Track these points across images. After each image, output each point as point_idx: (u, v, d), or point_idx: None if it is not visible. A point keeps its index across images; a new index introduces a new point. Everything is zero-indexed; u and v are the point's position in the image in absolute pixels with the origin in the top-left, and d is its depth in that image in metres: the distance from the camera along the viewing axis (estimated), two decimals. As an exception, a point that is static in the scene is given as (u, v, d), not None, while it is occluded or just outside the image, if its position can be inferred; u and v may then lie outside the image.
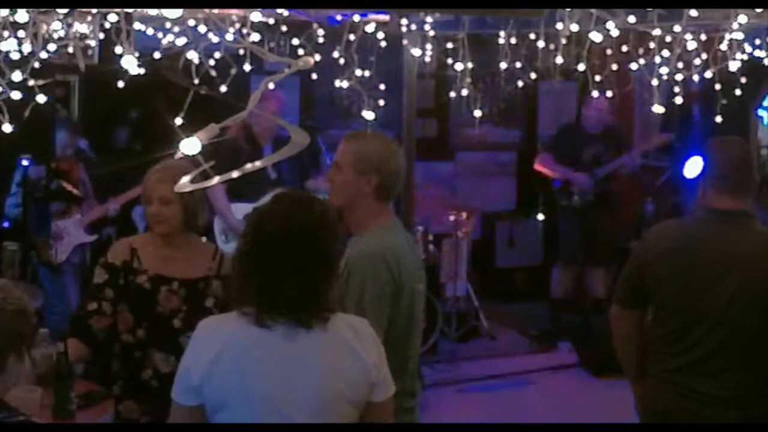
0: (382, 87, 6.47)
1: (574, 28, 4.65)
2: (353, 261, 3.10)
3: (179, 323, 3.56)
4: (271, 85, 2.92)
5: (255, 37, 5.21)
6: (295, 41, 6.15)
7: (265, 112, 5.51)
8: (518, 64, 6.17)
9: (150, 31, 5.73)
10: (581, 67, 5.24)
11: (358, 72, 5.76)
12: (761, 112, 7.81)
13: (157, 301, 3.56)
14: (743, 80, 5.92)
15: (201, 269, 3.64)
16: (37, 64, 4.17)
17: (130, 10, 4.54)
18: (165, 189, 3.48)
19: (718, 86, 5.67)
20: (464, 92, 5.91)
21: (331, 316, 2.49)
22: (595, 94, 6.16)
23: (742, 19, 4.35)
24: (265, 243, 2.47)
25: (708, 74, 5.51)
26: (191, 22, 5.40)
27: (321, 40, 6.03)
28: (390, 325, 3.06)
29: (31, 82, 4.16)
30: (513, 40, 5.80)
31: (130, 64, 3.06)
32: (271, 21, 5.67)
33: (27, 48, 4.53)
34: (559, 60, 5.50)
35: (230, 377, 2.41)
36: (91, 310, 3.57)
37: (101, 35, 5.87)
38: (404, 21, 5.81)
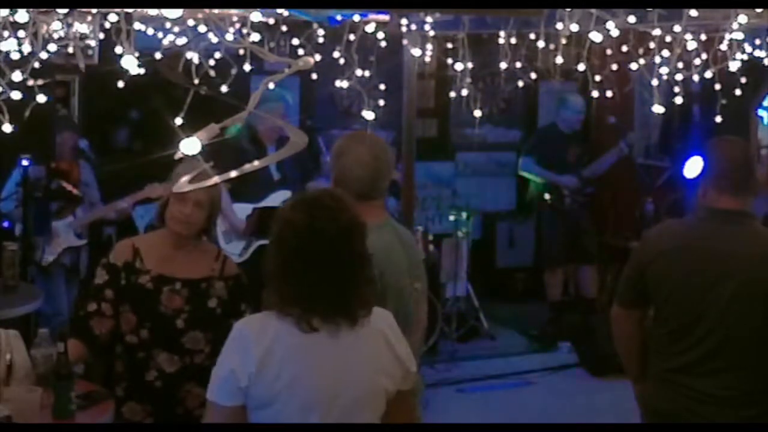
0: (382, 87, 6.47)
1: (574, 28, 4.64)
2: None
3: (182, 323, 3.55)
4: (271, 85, 2.92)
5: (255, 37, 5.20)
6: (295, 41, 6.14)
7: (268, 114, 5.51)
8: (518, 64, 6.17)
9: (150, 31, 5.72)
10: (581, 67, 5.23)
11: (358, 72, 5.75)
12: (761, 112, 7.81)
13: (160, 301, 3.55)
14: (743, 80, 5.92)
15: (204, 270, 3.63)
16: (37, 64, 4.17)
17: (130, 10, 4.53)
18: (202, 193, 3.45)
19: (718, 86, 5.67)
20: (464, 92, 5.90)
21: (372, 310, 2.55)
22: (595, 93, 6.16)
23: (742, 19, 4.34)
24: (307, 245, 2.48)
25: (708, 74, 5.51)
26: (191, 22, 5.39)
27: (321, 40, 6.03)
28: None
29: (31, 82, 4.16)
30: (513, 40, 5.79)
31: (130, 64, 3.06)
32: (271, 21, 5.67)
33: (27, 48, 4.53)
34: (559, 60, 5.49)
35: (279, 377, 2.43)
36: (91, 311, 3.57)
37: (101, 35, 5.87)
38: (404, 21, 5.80)
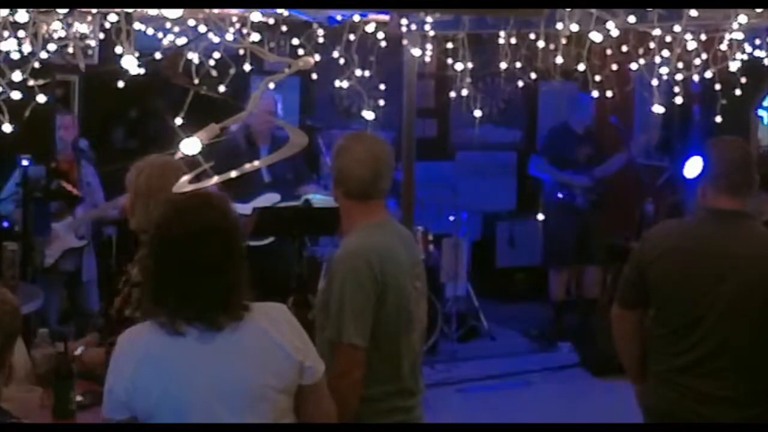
0: (382, 87, 6.47)
1: (574, 28, 4.64)
2: (336, 261, 3.11)
3: None
4: (271, 85, 2.92)
5: (255, 37, 5.21)
6: (295, 41, 6.15)
7: (261, 112, 5.51)
8: (518, 64, 6.17)
9: (150, 31, 5.73)
10: (581, 67, 5.23)
11: (358, 72, 5.76)
12: (761, 112, 7.81)
13: None
14: (743, 80, 5.92)
15: None
16: (37, 64, 4.17)
17: (130, 10, 4.53)
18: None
19: (718, 86, 5.68)
20: (464, 92, 5.91)
21: (245, 313, 2.48)
22: (595, 93, 6.16)
23: (742, 19, 4.35)
24: (168, 248, 2.46)
25: (708, 74, 5.51)
26: (191, 22, 5.40)
27: (321, 40, 6.03)
28: (378, 324, 3.06)
29: (31, 82, 4.16)
30: (513, 40, 5.80)
31: (130, 64, 3.06)
32: (271, 21, 5.67)
33: (27, 48, 4.53)
34: (559, 60, 5.49)
35: (152, 389, 2.41)
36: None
37: (101, 35, 5.88)
38: (404, 21, 5.80)
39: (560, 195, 7.67)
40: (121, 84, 5.45)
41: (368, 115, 5.51)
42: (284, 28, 5.82)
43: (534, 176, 8.01)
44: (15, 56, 4.49)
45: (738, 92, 6.06)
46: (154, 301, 2.47)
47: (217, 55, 5.68)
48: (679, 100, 5.99)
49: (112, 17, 4.82)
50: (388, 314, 3.09)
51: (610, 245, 7.69)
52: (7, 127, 3.69)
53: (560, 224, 7.76)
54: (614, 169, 7.82)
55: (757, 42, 5.82)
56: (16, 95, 3.94)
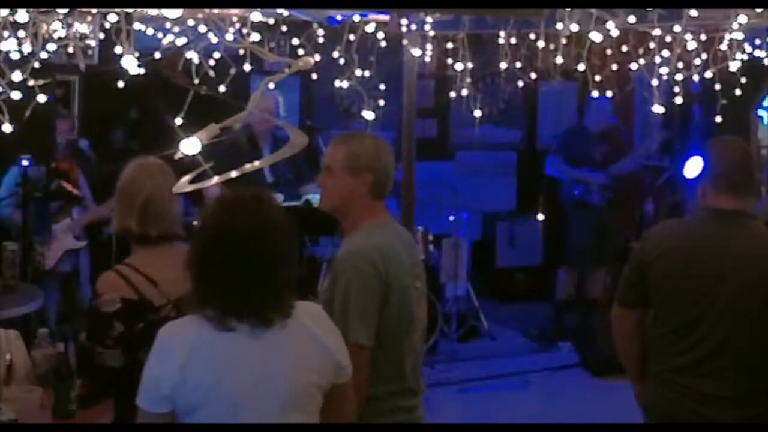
0: (382, 87, 6.47)
1: (574, 28, 4.64)
2: (339, 261, 3.11)
3: None
4: (271, 85, 2.91)
5: (255, 37, 5.21)
6: (295, 41, 6.15)
7: (261, 112, 5.51)
8: (518, 64, 6.17)
9: (150, 31, 5.73)
10: (581, 67, 5.23)
11: (358, 72, 5.76)
12: (761, 112, 7.82)
13: None
14: (743, 80, 5.92)
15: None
16: (37, 64, 4.17)
17: (130, 10, 4.54)
18: None
19: (718, 86, 5.68)
20: (464, 92, 5.91)
21: (292, 311, 2.51)
22: (595, 93, 6.16)
23: (742, 19, 4.35)
24: (222, 246, 2.46)
25: (708, 74, 5.51)
26: (191, 22, 5.40)
27: (321, 40, 6.03)
28: (382, 324, 3.06)
29: (31, 82, 4.16)
30: (513, 40, 5.80)
31: (130, 64, 3.06)
32: (271, 21, 5.68)
33: (27, 48, 4.54)
34: (559, 60, 5.49)
35: (201, 382, 2.41)
36: None
37: (101, 35, 5.88)
38: (404, 21, 5.80)
39: (576, 192, 7.64)
40: (121, 84, 5.45)
41: (368, 115, 5.51)
42: (284, 28, 5.83)
43: (550, 176, 7.94)
44: (15, 56, 4.50)
45: (738, 92, 6.07)
46: (203, 298, 2.47)
47: (217, 55, 5.68)
48: (679, 100, 5.99)
49: (112, 17, 4.83)
50: (391, 314, 3.09)
51: (616, 245, 7.69)
52: (7, 127, 3.69)
53: (577, 224, 7.71)
54: (630, 167, 7.79)
55: (757, 42, 5.83)
56: (16, 95, 3.94)
